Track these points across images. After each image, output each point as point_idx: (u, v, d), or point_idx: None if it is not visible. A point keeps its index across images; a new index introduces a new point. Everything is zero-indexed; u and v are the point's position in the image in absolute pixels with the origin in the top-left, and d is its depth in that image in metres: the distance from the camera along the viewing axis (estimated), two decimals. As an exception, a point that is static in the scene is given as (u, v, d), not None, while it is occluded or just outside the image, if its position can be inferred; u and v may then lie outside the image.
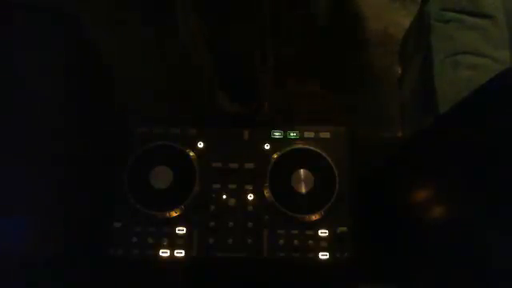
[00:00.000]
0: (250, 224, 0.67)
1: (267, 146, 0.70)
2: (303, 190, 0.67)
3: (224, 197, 0.68)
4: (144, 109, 1.17)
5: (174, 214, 0.66)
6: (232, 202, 0.68)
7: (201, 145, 0.70)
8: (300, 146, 0.69)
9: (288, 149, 0.69)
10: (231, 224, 0.67)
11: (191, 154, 0.68)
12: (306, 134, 0.71)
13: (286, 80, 1.34)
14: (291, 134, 0.71)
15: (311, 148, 0.69)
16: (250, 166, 0.69)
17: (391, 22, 1.40)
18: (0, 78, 0.52)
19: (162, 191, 0.66)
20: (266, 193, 0.67)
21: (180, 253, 0.66)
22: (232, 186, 0.68)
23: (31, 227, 0.58)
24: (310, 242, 0.66)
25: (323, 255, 0.66)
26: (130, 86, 1.21)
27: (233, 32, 0.78)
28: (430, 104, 0.82)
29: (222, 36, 0.78)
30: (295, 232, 0.67)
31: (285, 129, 0.71)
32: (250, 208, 0.68)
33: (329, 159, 0.68)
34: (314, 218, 0.66)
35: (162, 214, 0.65)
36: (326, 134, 0.71)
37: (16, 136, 0.55)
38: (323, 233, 0.67)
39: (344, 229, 0.67)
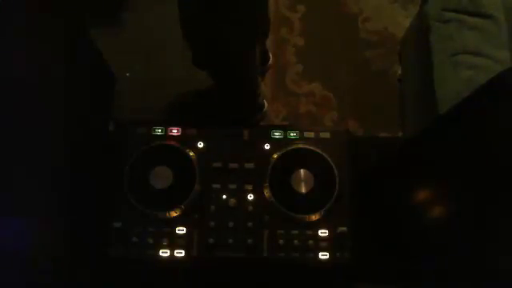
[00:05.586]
0: (249, 224, 0.67)
1: (267, 146, 0.70)
2: (303, 189, 0.66)
3: (224, 197, 0.68)
4: (144, 109, 1.17)
5: (174, 214, 0.66)
6: (232, 202, 0.68)
7: (201, 145, 0.70)
8: (300, 146, 0.69)
9: (288, 149, 0.69)
10: (231, 224, 0.67)
11: (191, 153, 0.68)
12: (306, 134, 0.71)
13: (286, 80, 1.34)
14: (291, 134, 0.71)
15: (311, 148, 0.69)
16: (249, 165, 0.69)
17: (391, 22, 1.40)
18: (0, 79, 0.52)
19: (162, 191, 0.66)
20: (266, 193, 0.67)
21: (180, 253, 0.66)
22: (232, 186, 0.68)
23: (31, 227, 0.57)
24: (310, 242, 0.66)
25: (323, 255, 0.66)
26: (130, 86, 1.21)
27: (232, 31, 0.78)
28: (430, 104, 0.82)
29: (223, 35, 0.78)
30: (295, 232, 0.67)
31: (285, 129, 0.71)
32: (250, 208, 0.68)
33: (329, 159, 0.68)
34: (314, 217, 0.66)
35: (162, 214, 0.65)
36: (325, 134, 0.71)
37: (16, 136, 0.55)
38: (323, 233, 0.67)
39: (344, 229, 0.67)
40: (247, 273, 0.71)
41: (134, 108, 1.12)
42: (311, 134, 0.71)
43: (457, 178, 0.55)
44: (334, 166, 0.67)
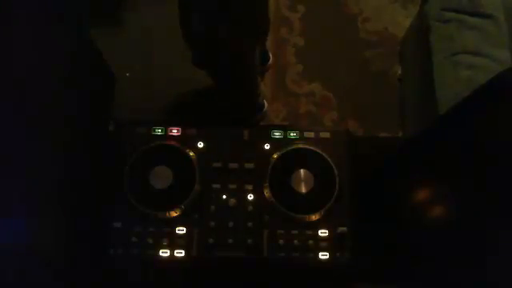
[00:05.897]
0: (249, 224, 0.67)
1: (267, 146, 0.70)
2: (303, 189, 0.66)
3: (224, 197, 0.68)
4: (144, 109, 1.17)
5: (174, 214, 0.66)
6: (232, 202, 0.68)
7: (201, 145, 0.70)
8: (300, 146, 0.69)
9: (288, 149, 0.69)
10: (231, 224, 0.67)
11: (191, 153, 0.68)
12: (306, 134, 0.71)
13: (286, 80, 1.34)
14: (291, 134, 0.71)
15: (311, 148, 0.69)
16: (250, 165, 0.69)
17: (391, 22, 1.40)
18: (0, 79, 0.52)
19: (162, 191, 0.66)
20: (266, 193, 0.67)
21: (180, 253, 0.66)
22: (232, 186, 0.68)
23: (31, 227, 0.57)
24: (310, 242, 0.66)
25: (323, 255, 0.66)
26: (130, 86, 1.21)
27: (232, 32, 0.78)
28: (430, 104, 0.82)
29: (222, 35, 0.78)
30: (295, 232, 0.67)
31: (285, 129, 0.71)
32: (250, 208, 0.68)
33: (329, 159, 0.68)
34: (314, 217, 0.66)
35: (162, 213, 0.65)
36: (325, 134, 0.71)
37: (16, 136, 0.55)
38: (323, 233, 0.67)
39: (344, 229, 0.67)
40: (247, 273, 0.71)
41: (134, 108, 1.12)
42: (311, 134, 0.71)
43: (457, 178, 0.55)
44: (333, 166, 0.67)
